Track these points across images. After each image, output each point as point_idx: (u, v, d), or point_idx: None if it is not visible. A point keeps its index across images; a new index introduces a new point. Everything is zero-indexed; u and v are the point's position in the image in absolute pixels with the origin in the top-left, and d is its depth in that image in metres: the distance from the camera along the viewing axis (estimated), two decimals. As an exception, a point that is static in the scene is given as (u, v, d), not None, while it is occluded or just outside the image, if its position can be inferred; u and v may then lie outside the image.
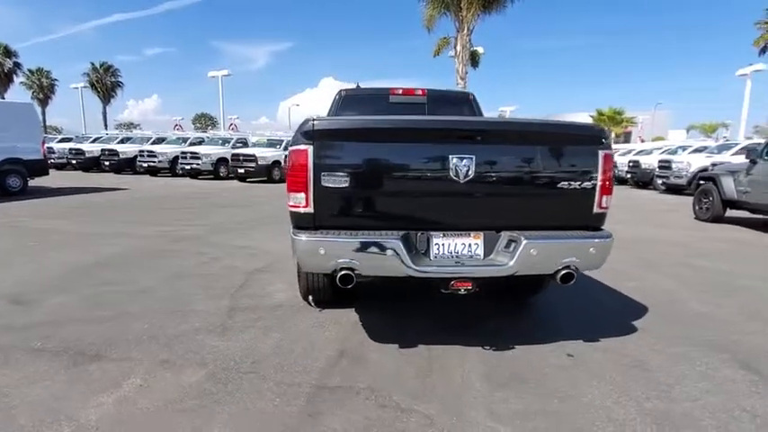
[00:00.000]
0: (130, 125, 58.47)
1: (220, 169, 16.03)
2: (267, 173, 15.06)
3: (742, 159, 7.87)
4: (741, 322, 3.02)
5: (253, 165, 14.73)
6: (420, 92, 4.05)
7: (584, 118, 33.56)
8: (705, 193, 7.77)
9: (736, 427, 1.84)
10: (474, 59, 17.57)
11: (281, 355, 2.39)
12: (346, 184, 2.13)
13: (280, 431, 1.76)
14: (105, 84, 40.99)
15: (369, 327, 2.79)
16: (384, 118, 2.24)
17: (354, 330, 2.75)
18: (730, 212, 7.34)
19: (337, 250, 2.10)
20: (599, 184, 2.28)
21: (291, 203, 2.23)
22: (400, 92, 4.03)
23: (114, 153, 17.51)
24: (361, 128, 2.17)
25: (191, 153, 15.88)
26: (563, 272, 2.23)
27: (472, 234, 2.28)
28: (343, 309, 3.08)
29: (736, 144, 12.65)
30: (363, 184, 2.16)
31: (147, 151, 16.74)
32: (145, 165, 16.64)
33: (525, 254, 2.16)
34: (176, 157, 16.42)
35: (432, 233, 2.26)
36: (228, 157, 15.77)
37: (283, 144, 16.69)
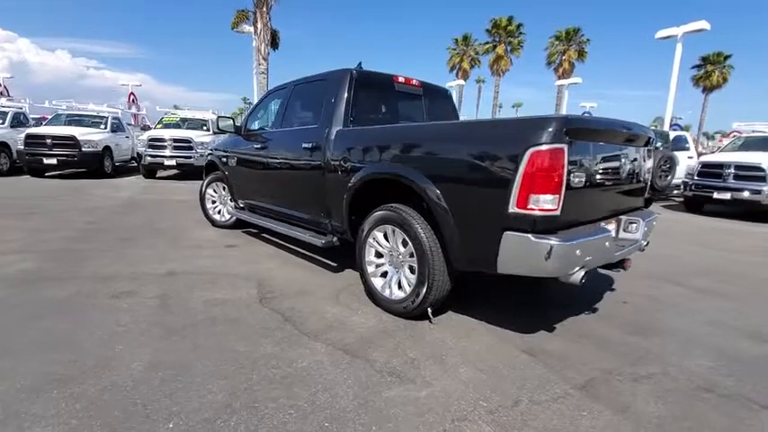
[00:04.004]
0: None
1: None
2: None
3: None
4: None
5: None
6: (416, 83, 3.95)
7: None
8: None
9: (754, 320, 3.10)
10: (274, 40, 16.55)
11: (506, 378, 2.12)
12: (582, 184, 2.14)
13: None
14: None
15: (501, 323, 2.77)
16: (622, 121, 2.33)
17: (495, 333, 2.67)
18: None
19: (589, 249, 2.10)
20: (650, 174, 3.15)
21: (532, 206, 2.02)
22: (402, 80, 3.82)
23: None
24: (604, 129, 2.21)
25: None
26: (645, 242, 3.00)
27: (613, 220, 2.71)
28: (442, 314, 2.89)
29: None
30: (588, 183, 2.21)
31: None
32: None
33: (644, 231, 2.78)
34: None
35: (601, 222, 2.55)
36: None
37: (9, 117, 11.12)
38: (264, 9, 14.33)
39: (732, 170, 8.02)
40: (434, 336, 2.58)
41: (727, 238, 6.28)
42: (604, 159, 2.38)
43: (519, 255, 2.12)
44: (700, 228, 7.10)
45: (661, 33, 14.70)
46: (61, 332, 2.43)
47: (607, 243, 2.31)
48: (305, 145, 3.53)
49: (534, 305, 3.20)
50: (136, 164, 12.59)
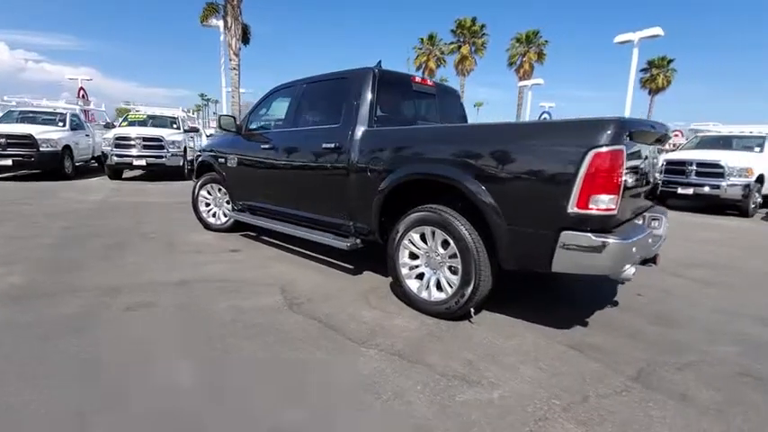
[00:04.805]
0: None
1: None
2: None
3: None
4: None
5: None
6: (431, 83, 3.95)
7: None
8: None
9: (738, 304, 3.34)
10: (245, 35, 15.85)
11: (566, 375, 2.16)
12: (633, 183, 2.22)
13: None
14: None
15: (538, 320, 2.82)
16: (656, 122, 2.42)
17: (536, 330, 2.70)
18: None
19: (640, 246, 2.18)
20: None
21: (592, 206, 2.07)
22: (418, 80, 3.80)
23: None
24: (647, 130, 2.28)
25: None
26: (664, 237, 3.16)
27: (640, 218, 2.83)
28: (478, 315, 2.90)
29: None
30: (632, 181, 2.30)
31: None
32: None
33: (666, 227, 2.94)
34: None
35: (634, 219, 2.66)
36: None
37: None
38: (235, 2, 13.73)
39: (694, 167, 8.65)
40: (481, 336, 2.58)
41: (700, 231, 6.77)
42: (644, 158, 2.49)
43: (577, 254, 2.16)
44: (671, 221, 7.60)
45: (619, 38, 15.62)
46: (86, 353, 2.21)
47: (650, 239, 2.41)
48: (325, 145, 3.42)
49: (561, 301, 3.29)
50: (97, 164, 11.73)
